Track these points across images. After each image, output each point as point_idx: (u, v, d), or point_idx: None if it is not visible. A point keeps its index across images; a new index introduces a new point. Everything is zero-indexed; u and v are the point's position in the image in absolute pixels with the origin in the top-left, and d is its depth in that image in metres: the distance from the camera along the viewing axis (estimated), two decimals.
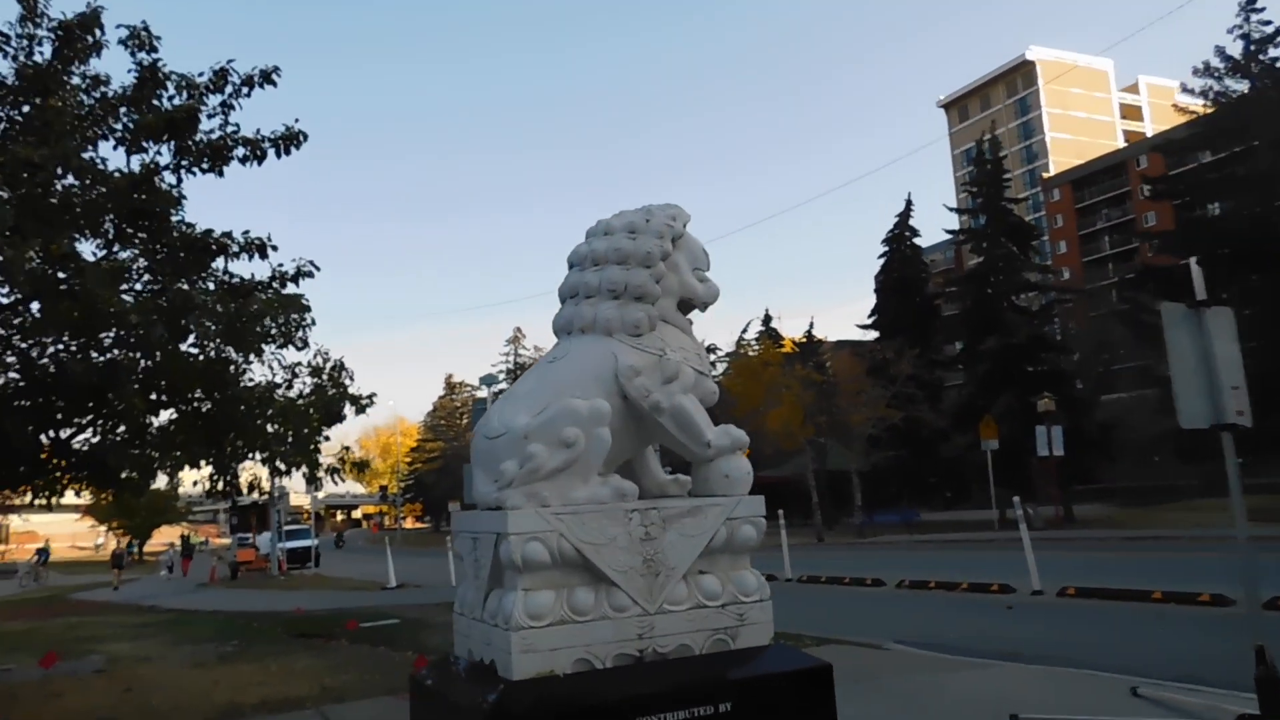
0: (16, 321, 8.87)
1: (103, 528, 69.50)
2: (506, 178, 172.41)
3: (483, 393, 30.59)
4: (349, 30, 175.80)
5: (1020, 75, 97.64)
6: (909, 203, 55.41)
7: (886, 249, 55.32)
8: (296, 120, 9.13)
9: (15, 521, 55.07)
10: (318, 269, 9.63)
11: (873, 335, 52.71)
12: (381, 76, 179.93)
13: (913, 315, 50.85)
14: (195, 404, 9.51)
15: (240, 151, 9.17)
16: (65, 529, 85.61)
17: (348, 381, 10.31)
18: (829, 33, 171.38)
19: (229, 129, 9.11)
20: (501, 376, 43.47)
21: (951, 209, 59.49)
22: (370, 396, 10.35)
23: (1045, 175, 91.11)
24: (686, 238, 5.57)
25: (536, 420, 4.84)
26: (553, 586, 4.63)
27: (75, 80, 9.23)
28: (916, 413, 41.77)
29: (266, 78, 9.08)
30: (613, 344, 5.16)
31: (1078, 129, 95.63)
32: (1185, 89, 37.76)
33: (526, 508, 4.65)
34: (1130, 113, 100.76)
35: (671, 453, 5.80)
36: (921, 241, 56.13)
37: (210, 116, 9.13)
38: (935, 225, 72.97)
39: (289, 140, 9.13)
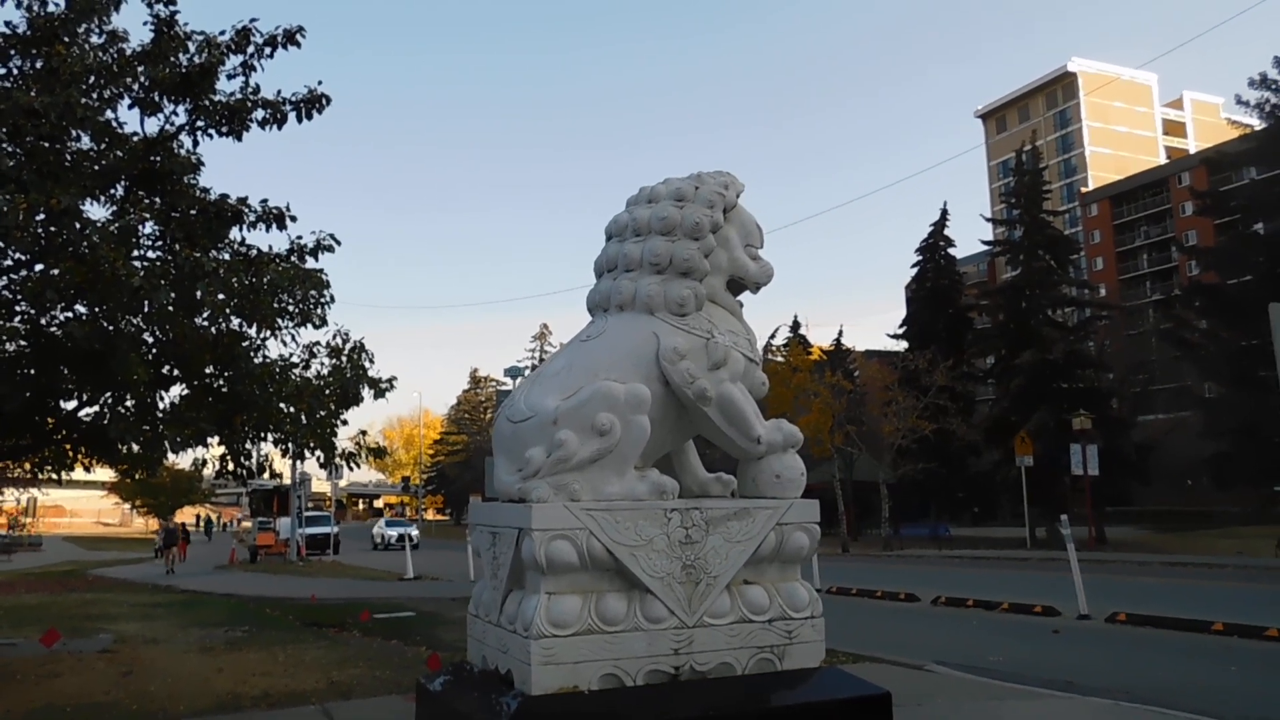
0: (19, 280, 8.50)
1: (126, 505, 70.01)
2: (535, 174, 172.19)
3: (508, 385, 30.24)
4: (391, 15, 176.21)
5: (1061, 87, 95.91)
6: (944, 212, 54.34)
7: (920, 258, 54.45)
8: (320, 83, 8.72)
9: (41, 496, 55.39)
10: (338, 243, 9.20)
11: (903, 345, 51.89)
12: (419, 64, 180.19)
13: (945, 326, 49.92)
14: (207, 380, 9.10)
15: (260, 114, 8.76)
16: (91, 505, 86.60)
17: (367, 364, 9.88)
18: (867, 41, 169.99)
19: (249, 90, 8.69)
20: (527, 370, 42.98)
21: (988, 219, 58.45)
22: (390, 380, 9.91)
23: (1084, 189, 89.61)
24: (739, 210, 5.05)
25: (568, 404, 4.34)
26: (580, 591, 4.17)
27: (95, 38, 8.86)
28: (948, 425, 40.94)
29: (290, 38, 8.66)
30: (655, 323, 4.66)
31: (1118, 143, 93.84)
32: (1240, 101, 36.66)
33: (553, 501, 4.19)
34: (1173, 129, 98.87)
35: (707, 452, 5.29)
36: (956, 252, 55.16)
37: (231, 77, 8.73)
38: (969, 237, 71.94)
39: (311, 103, 8.71)
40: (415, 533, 49.82)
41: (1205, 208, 43.40)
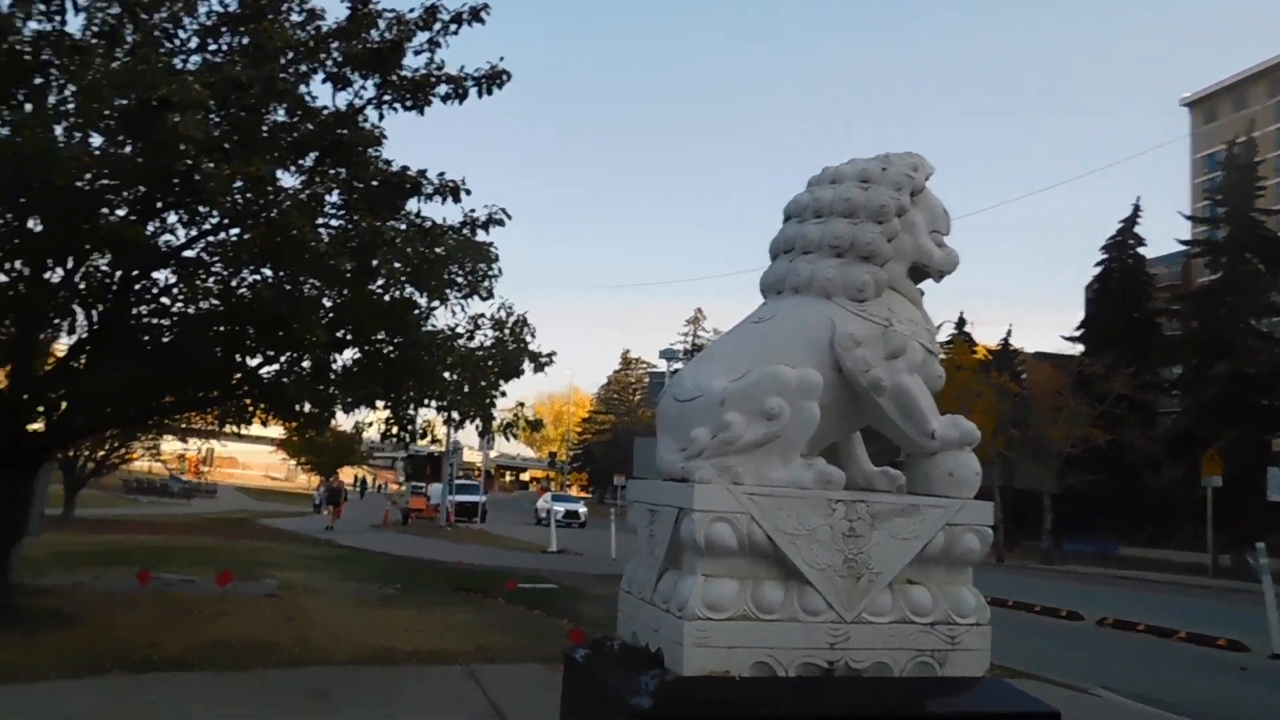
0: (217, 243, 9.07)
1: (291, 461, 74.69)
2: (697, 157, 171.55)
3: (662, 367, 30.41)
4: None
5: None
6: (1136, 207, 50.89)
7: (1105, 257, 51.32)
8: (501, 59, 8.89)
9: (218, 447, 59.83)
10: (509, 217, 9.38)
11: (1078, 349, 49.11)
12: (590, 42, 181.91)
13: (1128, 330, 46.78)
14: (378, 345, 9.49)
15: (443, 89, 9.02)
16: (260, 459, 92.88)
17: (529, 338, 10.09)
18: (1062, 17, 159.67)
19: (433, 66, 8.96)
20: (682, 353, 42.83)
21: (1187, 217, 54.55)
22: (550, 355, 10.08)
23: None
24: (927, 194, 4.81)
25: (736, 385, 4.25)
26: (737, 576, 4.07)
27: (295, 15, 9.32)
28: (1125, 436, 38.43)
29: (475, 15, 8.87)
30: (831, 308, 4.49)
31: None
32: None
33: (716, 483, 4.10)
34: None
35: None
36: (1146, 251, 51.48)
37: (417, 53, 9.01)
38: (1162, 236, 66.19)
39: (492, 79, 8.91)
40: (584, 510, 48.72)
41: None
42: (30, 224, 8.82)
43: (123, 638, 8.70)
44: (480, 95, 8.95)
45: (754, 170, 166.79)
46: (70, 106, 8.30)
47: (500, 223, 9.33)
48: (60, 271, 9.42)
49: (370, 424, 11.01)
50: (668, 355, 29.29)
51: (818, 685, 4.04)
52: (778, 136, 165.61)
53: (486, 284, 9.51)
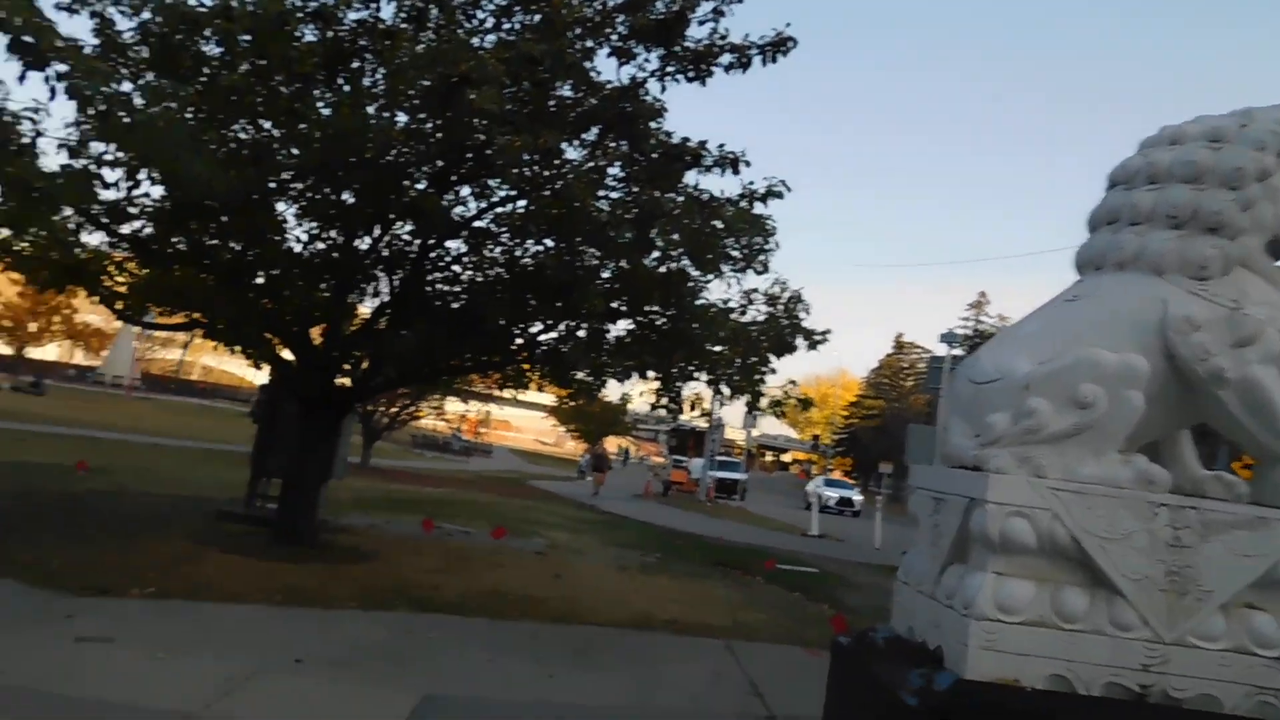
0: (505, 214, 9.51)
1: (561, 428, 78.73)
2: (972, 136, 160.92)
3: (941, 351, 28.86)
4: None
5: None
6: None
7: None
8: (788, 25, 8.64)
9: (495, 410, 64.54)
10: (788, 189, 9.15)
11: None
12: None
13: None
14: (651, 316, 9.62)
15: (726, 59, 8.91)
16: (532, 424, 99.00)
17: (803, 315, 9.86)
18: None
19: (716, 35, 8.88)
20: (961, 340, 40.32)
21: None
22: (824, 333, 9.80)
23: None
24: None
25: (1043, 369, 3.85)
26: (1034, 577, 3.72)
27: None
28: None
29: None
30: (1163, 286, 3.97)
31: None
32: None
33: (1015, 474, 3.75)
34: None
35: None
36: None
37: (700, 23, 8.96)
38: None
39: (776, 47, 8.69)
40: (858, 497, 46.70)
41: None
42: (344, 196, 9.69)
43: (409, 578, 9.43)
44: (764, 64, 8.77)
45: (1037, 148, 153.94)
46: (380, 88, 9.00)
47: (779, 195, 9.14)
48: (368, 240, 10.31)
49: (641, 394, 11.24)
50: (948, 339, 27.72)
51: (1125, 710, 3.63)
52: (1096, 105, 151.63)
53: (762, 258, 9.38)
